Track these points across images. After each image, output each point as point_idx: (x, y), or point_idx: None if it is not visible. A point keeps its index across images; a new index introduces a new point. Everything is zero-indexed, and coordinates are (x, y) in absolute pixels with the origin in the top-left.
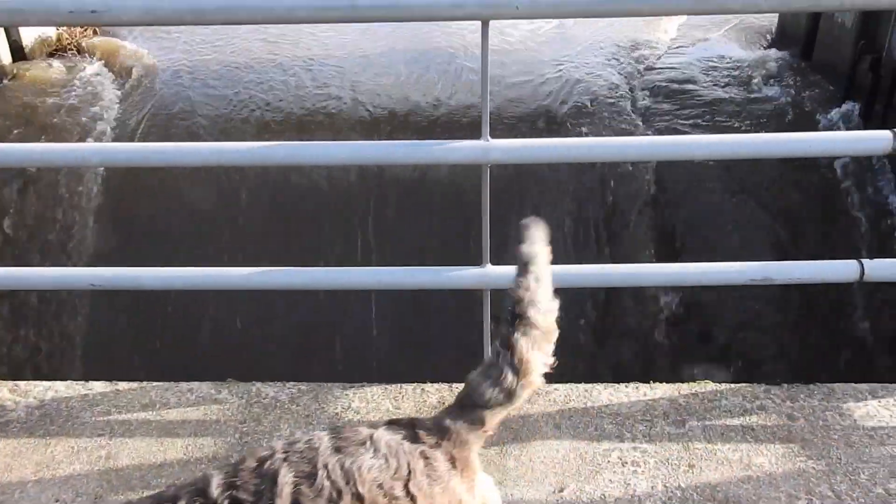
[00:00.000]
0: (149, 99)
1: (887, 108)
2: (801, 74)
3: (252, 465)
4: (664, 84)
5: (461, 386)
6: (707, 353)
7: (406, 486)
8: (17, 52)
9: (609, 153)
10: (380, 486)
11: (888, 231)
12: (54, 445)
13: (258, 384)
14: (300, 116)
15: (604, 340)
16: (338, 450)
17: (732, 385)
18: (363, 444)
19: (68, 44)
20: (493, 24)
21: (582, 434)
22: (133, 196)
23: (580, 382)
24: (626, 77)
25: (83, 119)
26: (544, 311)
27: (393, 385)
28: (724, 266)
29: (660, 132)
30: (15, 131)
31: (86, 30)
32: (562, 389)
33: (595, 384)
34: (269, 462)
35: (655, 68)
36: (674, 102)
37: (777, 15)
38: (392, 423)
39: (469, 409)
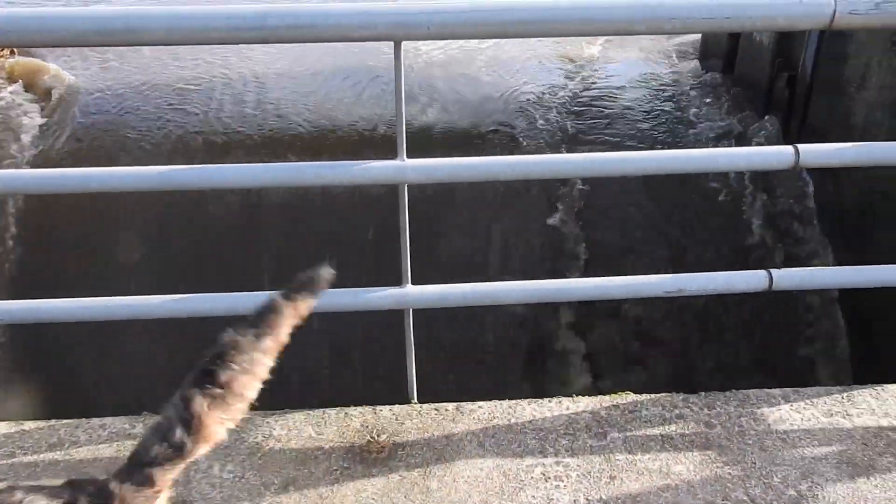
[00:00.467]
0: (68, 122)
1: (802, 124)
2: (724, 91)
3: None
4: (587, 100)
5: (385, 409)
6: (627, 364)
7: None
8: None
9: (528, 171)
10: None
11: (793, 241)
12: None
13: None
14: (221, 137)
15: (527, 356)
16: None
17: (652, 395)
18: None
19: None
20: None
21: (506, 451)
22: (45, 221)
23: (504, 399)
24: (549, 93)
25: None
26: (241, 371)
27: (315, 410)
28: (641, 279)
29: (581, 149)
30: None
31: (2, 50)
32: (486, 407)
33: (519, 400)
34: None
35: (579, 85)
36: (596, 119)
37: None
38: (63, 486)
39: (137, 468)
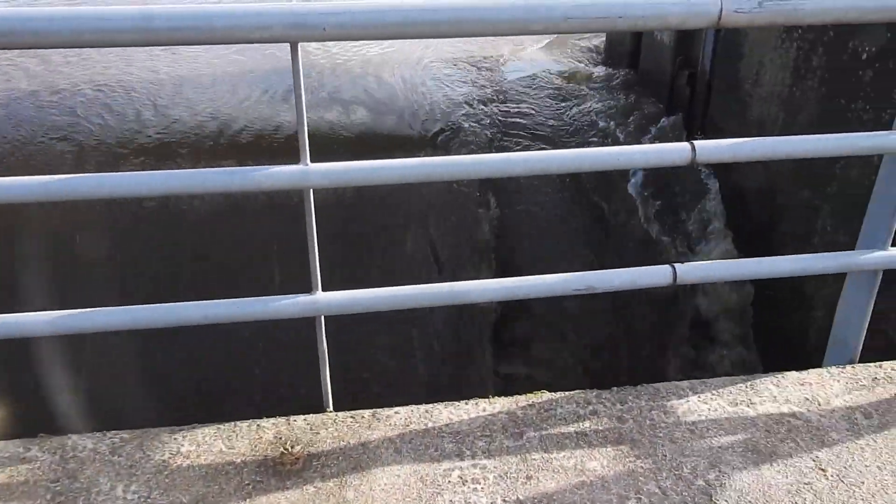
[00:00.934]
0: None
1: (704, 120)
2: (629, 89)
3: None
4: (496, 100)
5: (300, 419)
6: (542, 363)
7: None
8: None
9: (435, 172)
10: None
11: (698, 234)
12: None
13: (74, 437)
14: (121, 144)
15: (443, 360)
16: None
17: (567, 393)
18: None
19: None
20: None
21: (423, 456)
22: None
23: (421, 404)
24: (458, 93)
25: None
26: None
27: (226, 424)
28: (549, 278)
29: (489, 149)
30: None
31: None
32: (403, 412)
33: (436, 404)
34: None
35: (486, 86)
36: (503, 119)
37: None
38: None
39: None
